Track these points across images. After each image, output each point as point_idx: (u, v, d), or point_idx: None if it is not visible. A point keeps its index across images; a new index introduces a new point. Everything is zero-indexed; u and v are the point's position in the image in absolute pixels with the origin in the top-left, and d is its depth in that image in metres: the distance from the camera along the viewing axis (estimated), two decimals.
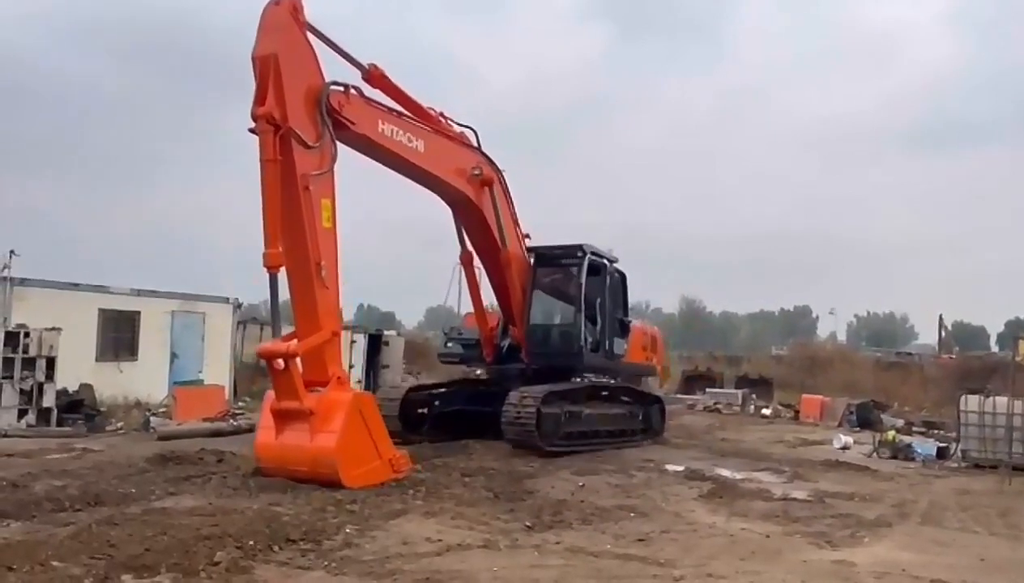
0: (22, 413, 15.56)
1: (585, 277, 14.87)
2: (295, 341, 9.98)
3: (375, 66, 11.93)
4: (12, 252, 18.20)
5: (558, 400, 13.82)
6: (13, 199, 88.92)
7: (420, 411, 15.05)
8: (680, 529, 8.57)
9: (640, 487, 11.01)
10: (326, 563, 6.76)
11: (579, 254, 15.07)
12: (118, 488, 9.50)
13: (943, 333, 48.90)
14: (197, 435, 14.53)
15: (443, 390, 16.02)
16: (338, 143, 10.70)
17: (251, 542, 7.09)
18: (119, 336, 19.21)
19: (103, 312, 18.76)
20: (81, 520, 7.83)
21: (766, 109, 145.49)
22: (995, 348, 65.64)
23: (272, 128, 9.63)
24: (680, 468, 12.62)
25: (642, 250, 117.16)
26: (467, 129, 13.90)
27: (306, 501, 9.02)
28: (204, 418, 16.29)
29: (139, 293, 19.80)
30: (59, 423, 15.69)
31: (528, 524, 8.43)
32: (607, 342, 15.49)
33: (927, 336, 72.27)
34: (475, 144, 13.97)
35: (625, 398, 16.44)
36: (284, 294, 10.42)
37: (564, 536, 8.03)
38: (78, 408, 16.46)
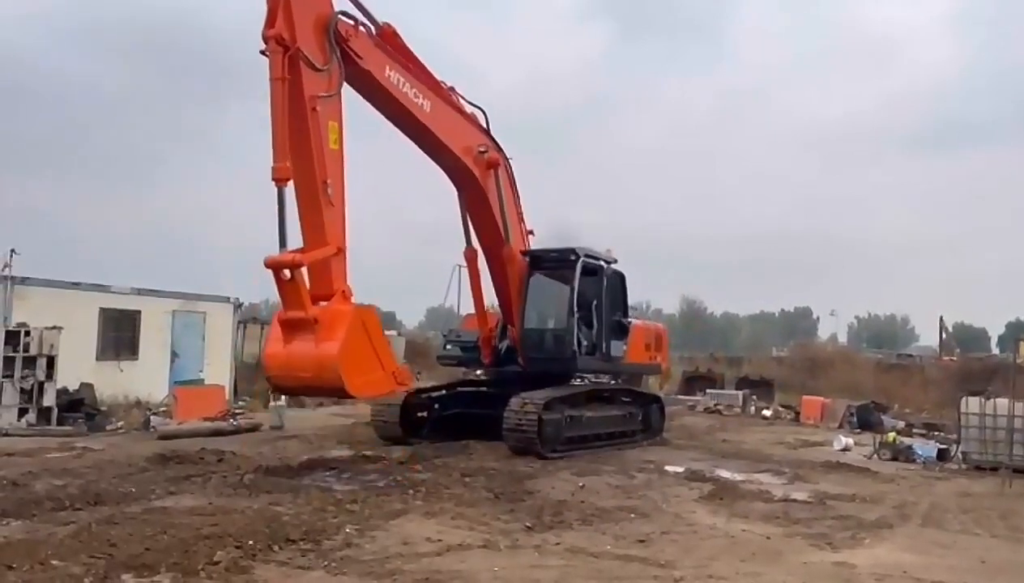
0: (23, 412, 15.56)
1: (579, 280, 14.68)
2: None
3: (389, 25, 12.10)
4: (13, 251, 18.25)
5: (559, 405, 13.78)
6: (14, 199, 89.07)
7: (420, 414, 15.04)
8: (680, 530, 8.57)
9: (640, 488, 11.01)
10: (326, 563, 6.77)
11: (572, 257, 14.90)
12: (118, 487, 9.53)
13: (944, 335, 48.85)
14: (197, 434, 14.54)
15: (443, 393, 15.96)
16: (345, 84, 10.93)
17: (251, 542, 7.11)
18: (120, 335, 19.20)
19: (104, 311, 18.75)
20: (81, 519, 7.85)
21: (766, 109, 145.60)
22: (996, 350, 65.77)
23: (281, 49, 9.95)
24: (680, 469, 12.61)
25: (643, 250, 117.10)
26: (477, 110, 13.93)
27: (306, 501, 9.05)
28: (204, 418, 16.27)
29: (140, 292, 19.79)
30: (59, 422, 15.68)
31: (528, 524, 8.44)
32: (604, 344, 15.30)
33: (928, 338, 72.35)
34: (484, 126, 14.02)
35: (625, 399, 16.45)
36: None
37: (564, 537, 8.04)
38: (78, 407, 16.45)
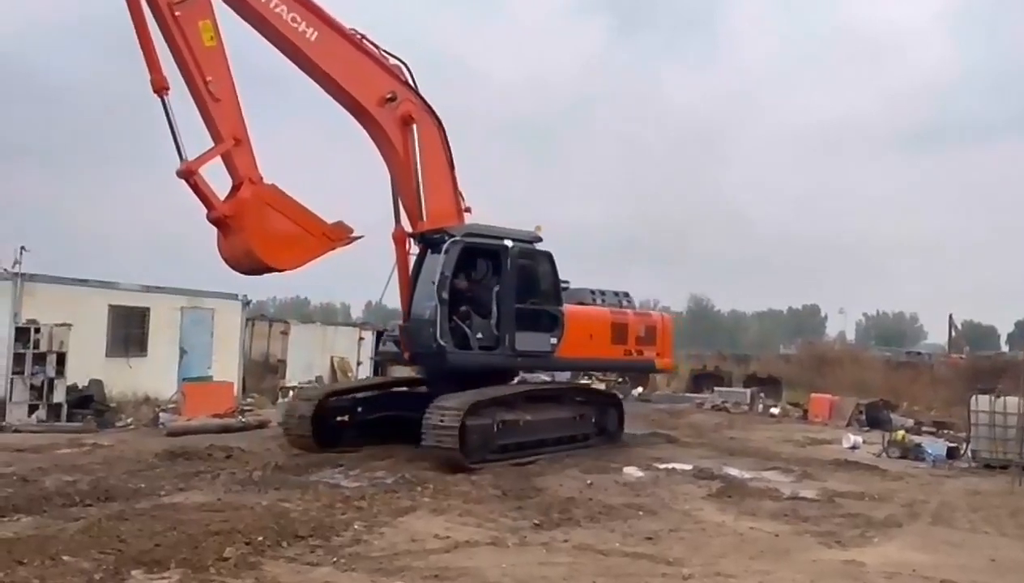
0: (33, 408, 15.66)
1: (452, 266, 12.54)
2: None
3: None
4: (23, 248, 18.31)
5: (490, 408, 12.05)
6: (23, 196, 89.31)
7: (339, 419, 13.38)
8: (689, 528, 8.57)
9: (648, 486, 11.00)
10: (335, 559, 6.79)
11: (446, 238, 12.77)
12: (128, 483, 9.59)
13: (953, 333, 48.61)
14: (206, 431, 14.59)
15: (368, 394, 14.25)
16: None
17: (260, 538, 7.15)
18: (129, 332, 19.24)
19: (113, 308, 18.80)
20: (91, 515, 7.90)
21: (771, 108, 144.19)
22: (1005, 348, 65.41)
23: None
24: (688, 467, 12.58)
25: (648, 248, 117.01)
26: (399, 63, 12.74)
27: (315, 497, 9.08)
28: (213, 414, 16.33)
29: (148, 289, 19.86)
30: (69, 418, 15.78)
31: (536, 522, 8.45)
32: (508, 336, 13.08)
33: (937, 336, 71.89)
34: (409, 81, 12.76)
35: (578, 399, 15.00)
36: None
37: (572, 534, 8.04)
38: (88, 404, 16.53)
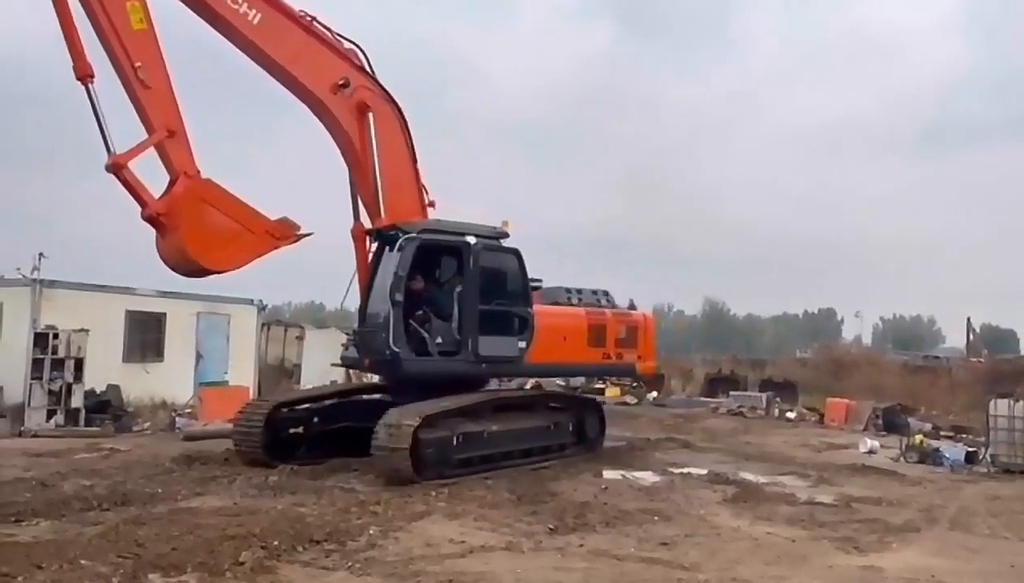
0: (51, 413, 15.82)
1: (408, 265, 11.52)
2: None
3: None
4: (41, 254, 18.52)
5: (449, 419, 11.13)
6: (40, 202, 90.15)
7: (293, 431, 12.42)
8: (704, 533, 8.53)
9: (663, 490, 10.95)
10: (350, 564, 6.82)
11: (401, 235, 11.80)
12: (145, 488, 9.66)
13: (971, 336, 48.15)
14: (222, 436, 14.60)
15: (325, 404, 13.14)
16: None
17: (276, 542, 7.18)
18: (145, 337, 19.42)
19: (130, 314, 18.98)
20: (109, 519, 7.97)
21: (780, 108, 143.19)
22: None
23: None
24: (704, 471, 12.53)
25: (661, 250, 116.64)
26: (354, 47, 12.04)
27: (330, 502, 9.11)
28: (229, 419, 16.37)
29: (165, 295, 19.99)
30: (87, 423, 15.92)
31: (551, 526, 8.44)
32: (470, 341, 12.00)
33: (955, 339, 71.17)
34: (364, 66, 12.09)
35: (553, 405, 14.18)
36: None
37: (587, 539, 8.03)
38: (106, 408, 16.69)
